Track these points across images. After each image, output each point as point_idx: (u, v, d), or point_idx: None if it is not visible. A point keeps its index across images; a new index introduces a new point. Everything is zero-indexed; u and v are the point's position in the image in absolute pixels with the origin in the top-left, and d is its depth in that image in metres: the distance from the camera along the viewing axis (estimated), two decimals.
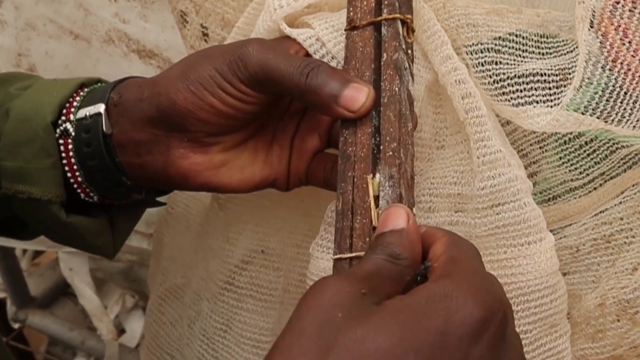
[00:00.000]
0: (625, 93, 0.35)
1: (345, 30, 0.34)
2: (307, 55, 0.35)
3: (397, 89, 0.31)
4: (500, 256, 0.34)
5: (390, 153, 0.30)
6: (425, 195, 0.37)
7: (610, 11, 0.36)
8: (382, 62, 0.32)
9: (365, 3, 0.34)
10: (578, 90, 0.36)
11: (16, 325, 0.94)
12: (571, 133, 0.39)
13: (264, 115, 0.36)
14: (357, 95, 0.31)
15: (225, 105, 0.33)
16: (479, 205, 0.34)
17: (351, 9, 0.34)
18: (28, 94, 0.36)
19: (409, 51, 0.34)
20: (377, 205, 0.29)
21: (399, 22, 0.33)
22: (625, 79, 0.36)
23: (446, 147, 0.38)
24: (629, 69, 0.36)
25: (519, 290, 0.33)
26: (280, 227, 0.43)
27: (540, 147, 0.40)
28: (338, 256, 0.29)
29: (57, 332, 0.84)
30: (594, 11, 0.35)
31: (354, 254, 0.28)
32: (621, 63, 0.36)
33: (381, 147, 0.30)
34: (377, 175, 0.30)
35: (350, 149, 0.31)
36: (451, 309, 0.23)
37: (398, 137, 0.30)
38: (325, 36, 0.34)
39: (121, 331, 0.89)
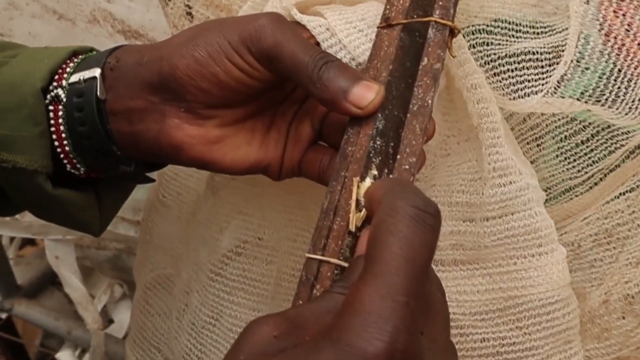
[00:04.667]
0: (626, 78, 0.34)
1: (379, 27, 0.33)
2: (317, 44, 0.34)
3: (429, 101, 0.30)
4: (509, 267, 0.34)
5: (407, 167, 0.29)
6: None
7: None
8: (420, 67, 0.31)
9: (401, 2, 0.33)
10: (574, 70, 0.35)
11: (3, 315, 0.92)
12: (568, 130, 0.38)
13: (266, 96, 0.35)
14: (366, 93, 0.30)
15: (228, 77, 0.32)
16: (488, 214, 0.33)
17: (388, 6, 0.33)
18: (17, 61, 0.35)
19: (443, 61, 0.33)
20: (359, 210, 0.28)
21: (448, 29, 0.32)
22: (624, 64, 0.35)
23: (452, 154, 0.37)
24: (629, 54, 0.35)
25: (529, 304, 0.33)
26: (276, 219, 0.42)
27: (537, 145, 0.40)
28: (311, 255, 0.28)
29: (42, 322, 0.83)
30: None
31: (323, 258, 0.27)
32: (621, 48, 0.35)
33: (397, 157, 0.30)
34: (367, 180, 0.29)
35: (350, 148, 0.30)
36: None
37: (418, 152, 0.30)
38: (338, 27, 0.33)
39: (109, 321, 0.87)
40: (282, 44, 0.31)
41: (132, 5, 0.60)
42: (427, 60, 0.31)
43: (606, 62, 0.34)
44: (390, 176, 0.30)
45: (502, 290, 0.34)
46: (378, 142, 0.30)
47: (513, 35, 0.36)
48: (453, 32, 0.32)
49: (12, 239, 0.97)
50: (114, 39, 0.62)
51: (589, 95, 0.34)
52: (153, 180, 0.40)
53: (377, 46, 0.32)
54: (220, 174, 0.41)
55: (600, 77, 0.34)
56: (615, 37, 0.35)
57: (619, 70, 0.35)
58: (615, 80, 0.34)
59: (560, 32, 0.36)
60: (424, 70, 0.31)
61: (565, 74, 0.34)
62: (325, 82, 0.30)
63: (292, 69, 0.31)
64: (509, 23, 0.36)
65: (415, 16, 0.32)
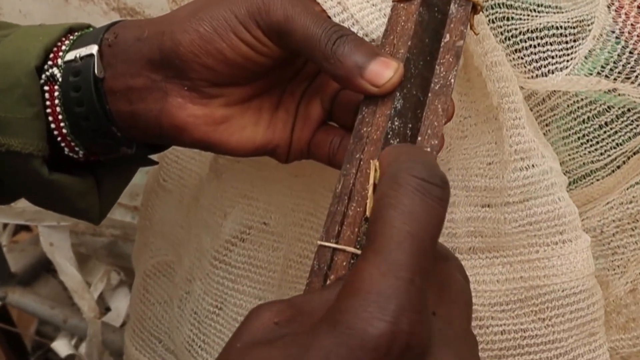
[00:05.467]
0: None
1: (394, 1, 0.31)
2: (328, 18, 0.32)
3: (452, 80, 0.29)
4: (531, 256, 0.32)
5: (428, 149, 0.28)
6: None
7: None
8: (442, 44, 0.30)
9: None
10: (603, 45, 0.33)
11: None
12: (590, 112, 0.36)
13: (274, 73, 0.33)
14: (384, 70, 0.28)
15: (235, 53, 0.30)
16: (510, 199, 0.32)
17: None
18: (9, 39, 0.33)
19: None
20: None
21: (471, 5, 0.30)
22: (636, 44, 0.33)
23: (469, 136, 0.35)
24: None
25: (552, 294, 0.31)
26: (282, 203, 0.40)
27: (557, 127, 0.38)
28: (323, 243, 0.26)
29: (37, 311, 0.81)
30: None
31: (338, 246, 0.25)
32: (632, 25, 0.33)
33: (418, 139, 0.28)
34: None
35: (365, 129, 0.28)
36: None
37: (440, 135, 0.28)
38: (350, 0, 0.31)
39: (106, 309, 0.86)
40: (293, 17, 0.29)
41: None
42: (450, 37, 0.29)
43: (638, 36, 0.32)
44: None
45: (523, 279, 0.32)
46: (396, 123, 0.28)
47: (535, 10, 0.35)
48: (475, 8, 0.31)
49: (5, 225, 0.95)
50: (109, 16, 0.59)
51: (619, 72, 0.32)
52: (156, 163, 0.38)
53: (394, 21, 0.30)
54: (225, 156, 0.39)
55: (631, 53, 0.32)
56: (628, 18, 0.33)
57: (629, 50, 0.33)
58: (627, 58, 0.32)
59: (584, 6, 0.34)
60: (446, 47, 0.29)
61: (594, 49, 0.32)
62: (340, 57, 0.29)
63: (303, 43, 0.29)
64: None
65: None
